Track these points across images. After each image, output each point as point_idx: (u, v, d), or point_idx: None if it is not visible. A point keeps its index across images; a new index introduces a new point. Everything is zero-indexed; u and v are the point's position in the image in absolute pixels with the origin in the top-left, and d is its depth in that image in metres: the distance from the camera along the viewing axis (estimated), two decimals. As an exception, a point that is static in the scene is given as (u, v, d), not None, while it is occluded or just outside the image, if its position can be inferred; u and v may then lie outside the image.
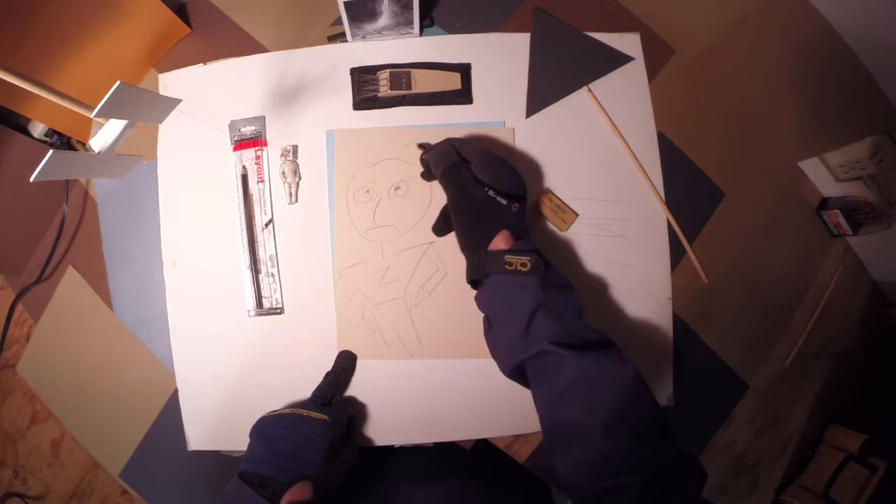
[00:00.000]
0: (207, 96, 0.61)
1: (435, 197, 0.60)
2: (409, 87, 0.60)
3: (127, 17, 0.58)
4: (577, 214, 0.60)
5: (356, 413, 0.57)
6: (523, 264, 0.46)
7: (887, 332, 0.69)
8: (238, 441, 0.55)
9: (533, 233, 0.59)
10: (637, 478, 0.36)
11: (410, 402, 0.59)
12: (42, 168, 0.37)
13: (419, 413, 0.59)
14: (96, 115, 0.38)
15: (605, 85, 0.62)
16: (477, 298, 0.51)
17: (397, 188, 0.60)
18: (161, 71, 0.63)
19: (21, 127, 0.67)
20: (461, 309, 0.59)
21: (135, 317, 0.63)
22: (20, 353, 0.67)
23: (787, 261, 0.65)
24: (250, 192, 0.60)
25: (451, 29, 0.63)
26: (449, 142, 0.52)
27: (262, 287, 0.60)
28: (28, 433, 0.68)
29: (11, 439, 0.69)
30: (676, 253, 0.61)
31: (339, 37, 0.62)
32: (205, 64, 0.62)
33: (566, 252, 0.60)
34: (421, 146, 0.57)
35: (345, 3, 0.54)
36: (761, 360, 0.65)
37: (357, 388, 0.59)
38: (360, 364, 0.59)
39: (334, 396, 0.55)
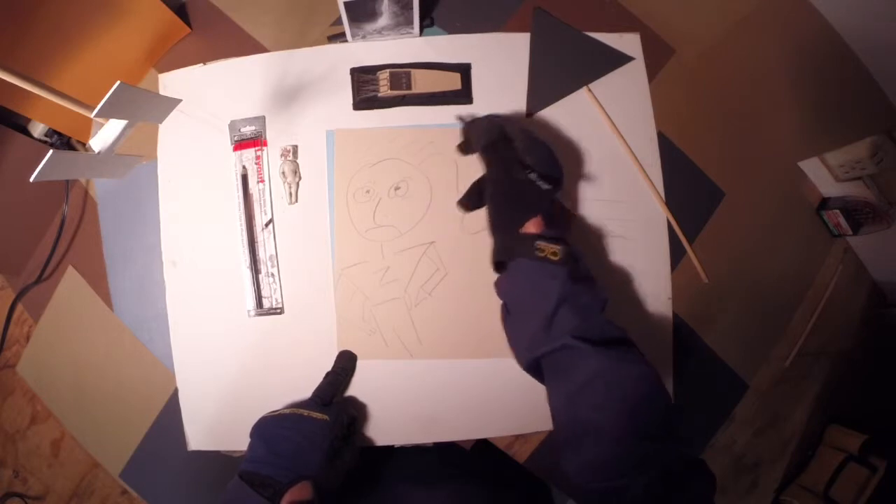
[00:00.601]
0: (207, 96, 0.61)
1: (435, 197, 0.60)
2: (409, 87, 0.60)
3: (127, 17, 0.58)
4: (577, 214, 0.60)
5: (357, 413, 0.57)
6: (554, 252, 0.44)
7: (887, 332, 0.69)
8: (238, 441, 0.55)
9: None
10: (642, 477, 0.36)
11: (410, 402, 0.59)
12: (42, 168, 0.37)
13: (419, 413, 0.59)
14: (96, 115, 0.38)
15: (605, 85, 0.62)
16: (498, 283, 0.50)
17: (397, 188, 0.60)
18: (161, 71, 0.63)
19: (21, 127, 0.67)
20: (461, 309, 0.59)
21: (135, 317, 0.63)
22: (20, 353, 0.67)
23: (787, 261, 0.65)
24: (250, 192, 0.60)
25: (451, 29, 0.63)
26: (492, 118, 0.51)
27: (262, 287, 0.60)
28: (28, 433, 0.68)
29: (11, 439, 0.69)
30: (676, 253, 0.61)
31: (339, 37, 0.62)
32: (205, 64, 0.62)
33: (566, 252, 0.60)
34: (460, 118, 0.56)
35: (345, 3, 0.54)
36: (761, 360, 0.65)
37: (357, 388, 0.58)
38: (360, 364, 0.59)
39: (335, 396, 0.55)
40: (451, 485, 0.56)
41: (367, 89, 0.60)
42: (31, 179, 0.38)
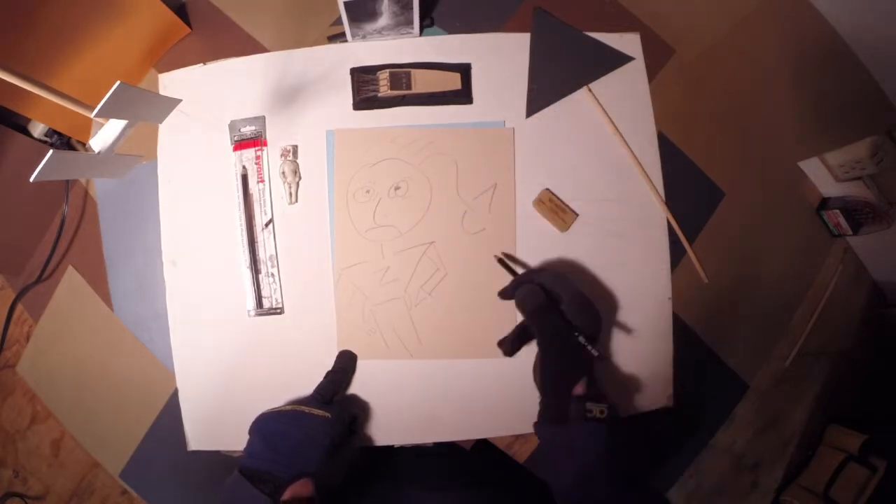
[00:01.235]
0: (207, 96, 0.61)
1: (435, 197, 0.60)
2: (409, 87, 0.60)
3: (127, 17, 0.58)
4: (577, 214, 0.60)
5: (358, 412, 0.57)
6: (601, 411, 0.46)
7: (887, 332, 0.69)
8: (238, 441, 0.55)
9: (534, 233, 0.59)
10: None
11: (410, 402, 0.59)
12: (42, 168, 0.37)
13: (419, 413, 0.59)
14: (96, 115, 0.38)
15: (605, 85, 0.62)
16: (539, 430, 0.51)
17: (397, 188, 0.60)
18: (161, 71, 0.63)
19: (21, 127, 0.67)
20: (461, 309, 0.59)
21: (135, 317, 0.63)
22: (20, 353, 0.67)
23: (787, 261, 0.65)
24: (250, 192, 0.60)
25: (451, 29, 0.63)
26: (531, 276, 0.53)
27: (262, 287, 0.60)
28: (28, 433, 0.68)
29: (11, 439, 0.69)
30: (676, 253, 0.61)
31: (339, 37, 0.62)
32: (205, 64, 0.62)
33: (566, 252, 0.60)
34: (502, 293, 0.55)
35: (345, 3, 0.54)
36: (761, 360, 0.65)
37: (357, 388, 0.59)
38: (360, 364, 0.59)
39: (336, 395, 0.55)
40: (456, 488, 0.56)
41: (367, 89, 0.60)
42: (31, 179, 0.38)
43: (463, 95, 0.61)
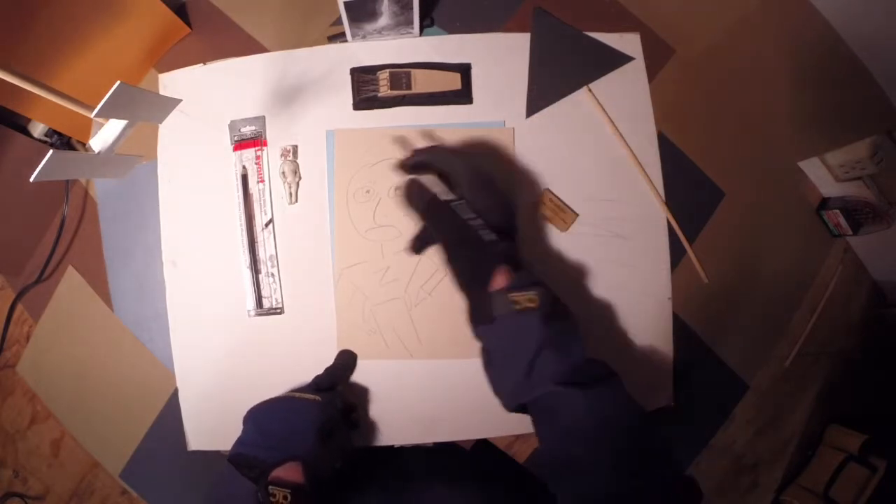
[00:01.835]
0: (207, 96, 0.61)
1: (435, 197, 0.59)
2: (409, 87, 0.60)
3: (127, 17, 0.58)
4: (577, 214, 0.60)
5: (356, 402, 0.56)
6: (530, 300, 0.43)
7: (887, 332, 0.69)
8: (238, 441, 0.55)
9: (534, 233, 0.59)
10: None
11: (410, 403, 0.59)
12: (42, 168, 0.37)
13: (419, 413, 0.59)
14: (96, 115, 0.38)
15: (605, 85, 0.62)
16: (476, 332, 0.48)
17: (397, 188, 0.60)
18: (161, 71, 0.63)
19: (21, 127, 0.67)
20: (461, 309, 0.59)
21: (135, 317, 0.63)
22: (20, 353, 0.67)
23: (787, 261, 0.66)
24: (250, 192, 0.60)
25: (451, 29, 0.63)
26: (421, 158, 0.49)
27: (262, 287, 0.60)
28: (28, 433, 0.68)
29: (11, 439, 0.69)
30: (676, 253, 0.61)
31: (339, 37, 0.62)
32: (205, 64, 0.62)
33: (566, 252, 0.60)
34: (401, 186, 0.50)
35: (345, 3, 0.54)
36: (761, 360, 0.65)
37: (357, 389, 0.58)
38: (360, 364, 0.59)
39: (334, 386, 0.54)
40: (467, 483, 0.56)
41: (367, 89, 0.60)
42: (31, 179, 0.38)
43: (463, 95, 0.61)
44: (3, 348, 0.66)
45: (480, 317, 0.46)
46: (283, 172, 0.60)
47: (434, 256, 0.59)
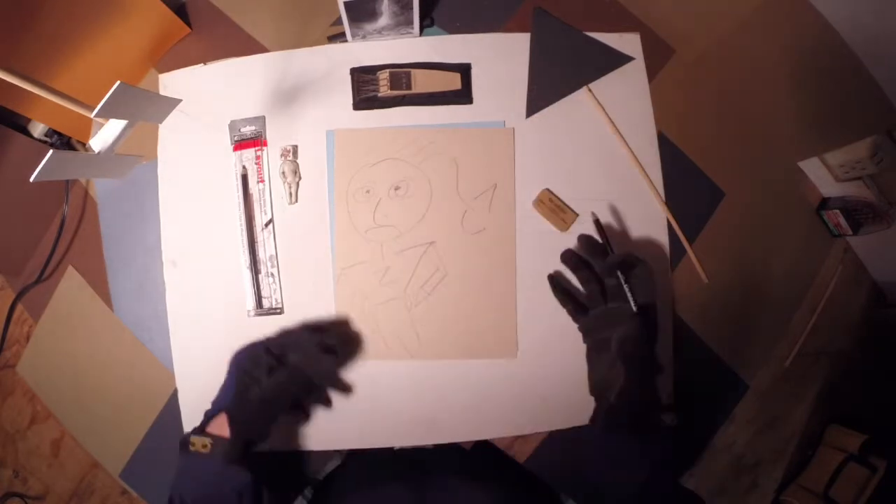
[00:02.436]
0: (207, 96, 0.61)
1: (435, 197, 0.60)
2: (409, 87, 0.60)
3: (127, 17, 0.58)
4: (577, 214, 0.60)
5: (302, 358, 0.52)
6: (672, 420, 0.49)
7: (887, 332, 0.69)
8: (238, 441, 0.54)
9: (534, 233, 0.59)
10: None
11: (411, 403, 0.59)
12: (42, 168, 0.37)
13: (419, 413, 0.59)
14: (96, 115, 0.38)
15: (605, 85, 0.62)
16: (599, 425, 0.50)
17: (397, 188, 0.60)
18: (161, 71, 0.63)
19: (21, 127, 0.66)
20: (461, 309, 0.59)
21: (135, 317, 0.63)
22: (20, 353, 0.67)
23: (787, 261, 0.65)
24: (250, 192, 0.60)
25: (451, 29, 0.63)
26: (610, 271, 0.52)
27: (262, 287, 0.60)
28: (28, 433, 0.68)
29: (11, 439, 0.69)
30: (676, 253, 0.61)
31: (339, 37, 0.62)
32: (205, 64, 0.62)
33: (566, 252, 0.60)
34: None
35: (345, 3, 0.54)
36: (761, 360, 0.65)
37: (357, 389, 0.58)
38: (361, 364, 0.59)
39: (284, 353, 0.53)
40: (489, 482, 0.56)
41: (367, 89, 0.60)
42: (31, 179, 0.38)
43: (463, 95, 0.61)
44: (3, 348, 0.66)
45: (636, 425, 0.48)
46: (283, 172, 0.60)
47: (433, 256, 0.59)
